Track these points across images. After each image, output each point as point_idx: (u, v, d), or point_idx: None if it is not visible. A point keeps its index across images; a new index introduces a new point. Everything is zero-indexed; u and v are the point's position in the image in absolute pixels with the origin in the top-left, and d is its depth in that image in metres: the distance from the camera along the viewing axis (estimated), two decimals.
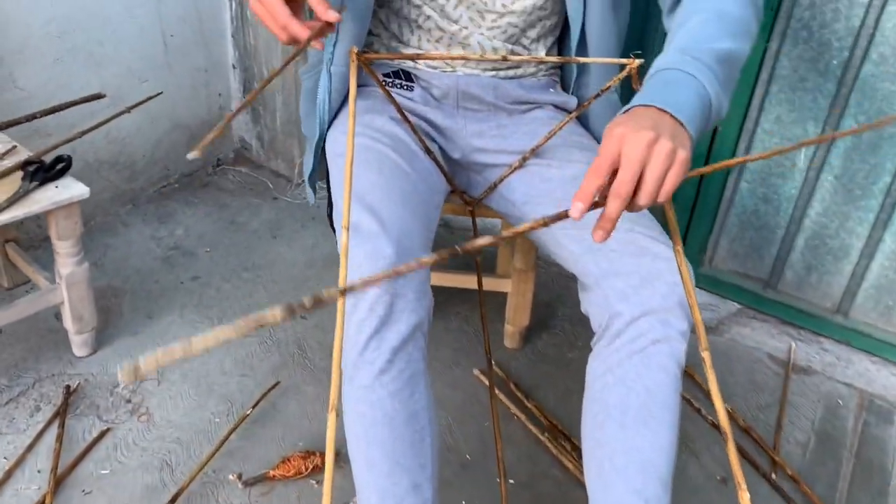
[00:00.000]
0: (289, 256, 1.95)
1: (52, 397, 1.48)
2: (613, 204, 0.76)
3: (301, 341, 1.66)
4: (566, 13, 1.25)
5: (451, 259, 2.06)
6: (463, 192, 1.35)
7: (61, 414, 1.42)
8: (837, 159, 1.59)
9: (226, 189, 2.22)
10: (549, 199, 1.18)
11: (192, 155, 0.66)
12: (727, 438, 0.82)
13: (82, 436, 1.40)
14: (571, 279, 1.72)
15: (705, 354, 0.85)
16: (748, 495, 0.78)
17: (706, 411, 1.54)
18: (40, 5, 1.70)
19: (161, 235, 1.98)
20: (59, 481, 1.30)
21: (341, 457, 1.35)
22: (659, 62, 0.93)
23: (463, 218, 2.04)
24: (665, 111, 0.82)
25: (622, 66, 1.13)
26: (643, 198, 0.77)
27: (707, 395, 1.59)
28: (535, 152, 1.23)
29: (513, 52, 1.25)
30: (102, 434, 1.40)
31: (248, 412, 1.45)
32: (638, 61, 1.10)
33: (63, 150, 1.47)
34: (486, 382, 1.58)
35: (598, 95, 1.19)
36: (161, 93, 1.76)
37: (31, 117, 1.53)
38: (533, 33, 1.25)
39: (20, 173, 1.37)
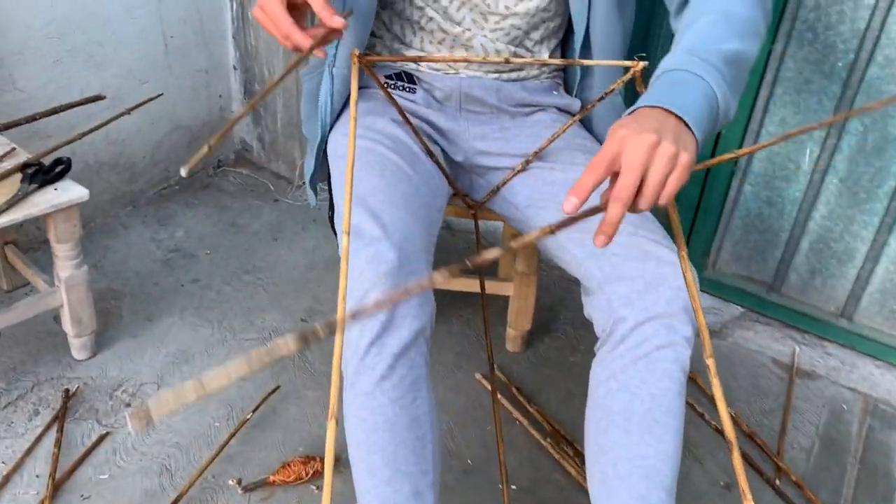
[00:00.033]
0: (289, 259, 1.94)
1: (50, 401, 1.46)
2: (614, 208, 0.75)
3: None
4: (570, 15, 1.23)
5: (453, 262, 2.04)
6: (465, 195, 1.34)
7: (60, 418, 1.41)
8: (842, 162, 1.58)
9: (226, 191, 2.21)
10: (552, 203, 1.17)
11: (184, 171, 0.65)
12: (732, 448, 0.81)
13: (81, 440, 1.39)
14: (574, 282, 1.70)
15: (710, 361, 0.84)
16: None
17: (709, 416, 1.53)
18: (40, 6, 1.69)
19: (161, 237, 1.97)
20: (57, 486, 1.29)
21: (342, 462, 1.34)
22: (665, 63, 0.92)
23: (465, 220, 2.03)
24: (671, 112, 0.81)
25: (626, 69, 1.12)
26: (644, 201, 0.76)
27: (710, 399, 1.58)
28: (538, 155, 1.22)
29: (516, 55, 1.24)
30: (101, 438, 1.39)
31: (248, 416, 1.44)
32: (642, 64, 1.10)
33: (63, 152, 1.46)
34: (488, 387, 1.56)
35: (601, 98, 1.18)
36: (161, 94, 1.76)
37: (31, 119, 1.52)
38: (536, 35, 1.24)
39: (19, 175, 1.36)
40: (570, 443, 1.45)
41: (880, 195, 1.57)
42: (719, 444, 1.48)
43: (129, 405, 1.47)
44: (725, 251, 1.81)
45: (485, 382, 1.58)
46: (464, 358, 1.65)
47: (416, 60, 1.14)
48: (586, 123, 1.32)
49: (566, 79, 1.34)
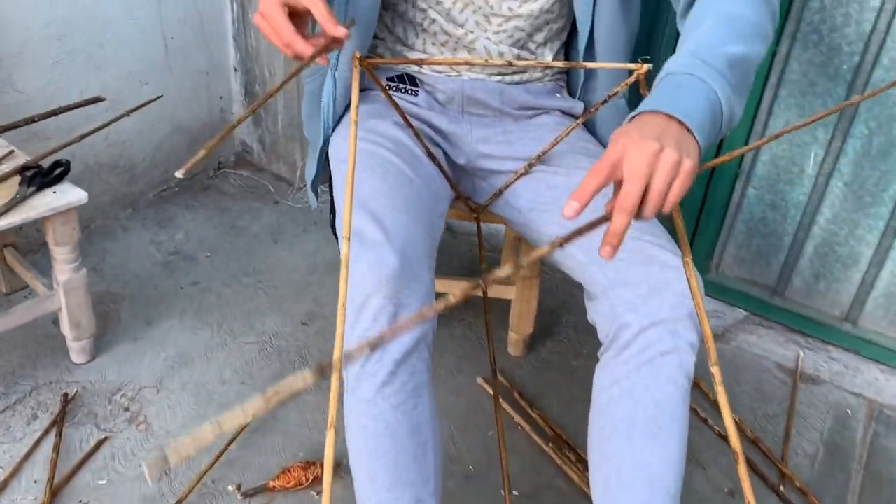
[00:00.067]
0: (290, 261, 1.92)
1: (49, 405, 1.45)
2: (619, 218, 0.74)
3: (302, 349, 1.64)
4: (574, 16, 1.22)
5: (455, 265, 2.03)
6: (467, 198, 1.33)
7: (58, 422, 1.40)
8: (847, 166, 1.57)
9: (227, 193, 2.19)
10: (555, 207, 1.16)
11: (180, 173, 0.64)
12: (738, 459, 0.80)
13: (80, 445, 1.38)
14: (576, 286, 1.70)
15: (715, 370, 0.83)
16: None
17: (713, 421, 1.52)
18: (40, 7, 1.68)
19: (161, 240, 1.96)
20: (55, 492, 1.28)
21: (342, 467, 1.34)
22: (669, 66, 0.90)
23: (467, 223, 2.02)
24: (673, 117, 0.80)
25: (630, 72, 1.11)
26: (648, 209, 0.75)
27: (714, 404, 1.57)
28: (541, 159, 1.21)
29: (519, 57, 1.22)
30: (100, 443, 1.38)
31: (248, 422, 1.43)
32: (646, 66, 1.08)
33: (62, 154, 1.45)
34: (490, 391, 1.55)
35: (605, 101, 1.17)
36: (161, 96, 1.75)
37: (30, 121, 1.51)
38: (540, 37, 1.23)
39: (18, 178, 1.35)
40: (572, 448, 1.44)
41: (885, 199, 1.56)
42: (723, 450, 1.47)
43: (127, 409, 1.46)
44: (729, 254, 1.80)
45: (486, 386, 1.57)
46: (465, 361, 1.64)
47: (417, 63, 1.13)
48: (590, 126, 1.31)
49: (569, 81, 1.33)
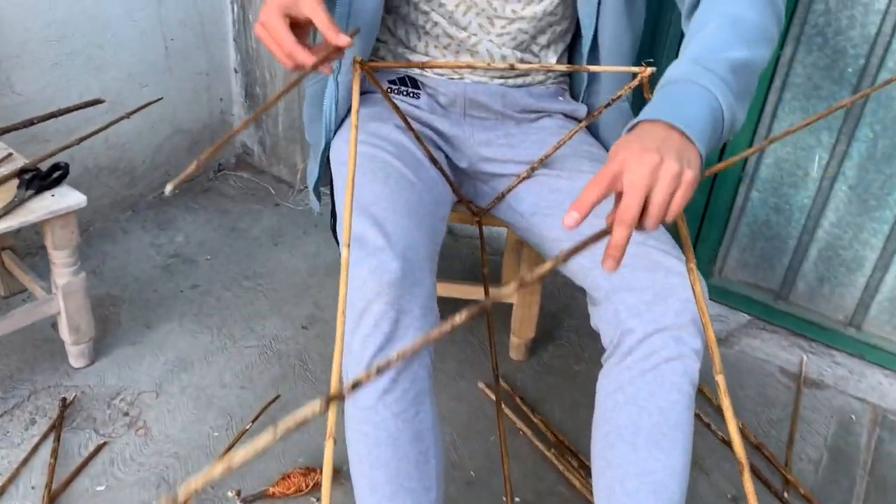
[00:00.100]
0: (290, 264, 1.91)
1: (47, 410, 1.44)
2: (619, 231, 0.73)
3: (302, 353, 1.63)
4: (578, 18, 1.21)
5: (457, 269, 2.02)
6: (469, 202, 1.32)
7: (57, 427, 1.39)
8: (852, 169, 1.56)
9: (227, 195, 2.18)
10: (557, 211, 1.15)
11: (169, 188, 0.64)
12: (743, 469, 0.78)
13: (78, 450, 1.37)
14: (578, 289, 1.69)
15: (720, 378, 0.82)
16: None
17: (716, 426, 1.51)
18: (39, 8, 1.67)
19: (161, 242, 1.95)
20: (53, 498, 1.27)
21: (342, 474, 1.33)
22: (670, 72, 0.89)
23: (469, 226, 2.01)
24: (674, 127, 0.79)
25: (634, 74, 1.10)
26: (649, 221, 0.74)
27: (717, 409, 1.56)
28: (543, 162, 1.19)
29: (522, 60, 1.21)
30: (99, 448, 1.37)
31: (248, 427, 1.42)
32: (650, 69, 1.07)
33: (61, 157, 1.44)
34: (492, 396, 1.54)
35: (608, 105, 1.16)
36: (161, 98, 1.73)
37: (29, 123, 1.50)
38: (543, 39, 1.22)
39: (16, 181, 1.34)
40: (574, 454, 1.43)
41: (890, 202, 1.54)
42: (726, 456, 1.46)
43: (126, 414, 1.45)
44: (732, 258, 1.79)
45: (488, 392, 1.56)
46: (466, 366, 1.63)
47: (419, 66, 1.12)
48: (593, 130, 1.29)
49: (572, 84, 1.32)
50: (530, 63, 1.23)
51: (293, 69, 0.93)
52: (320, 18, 0.90)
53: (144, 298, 1.75)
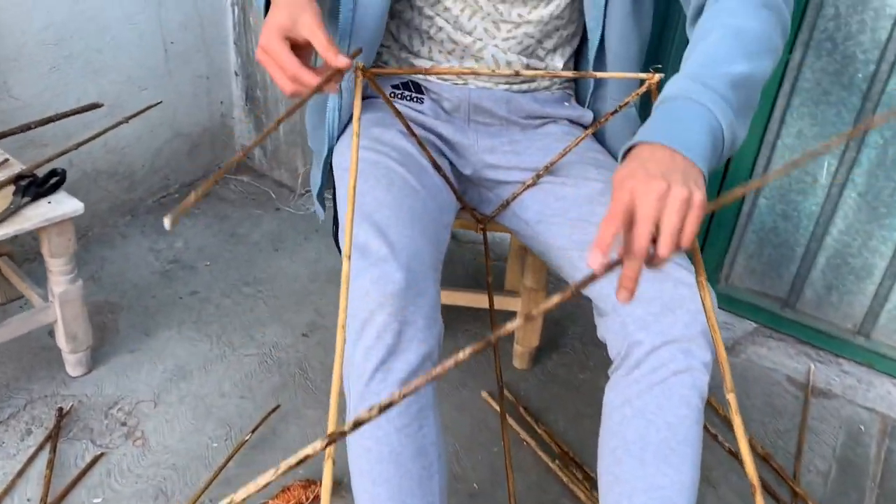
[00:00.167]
0: (291, 270, 1.89)
1: (44, 420, 1.42)
2: (631, 264, 0.71)
3: (302, 361, 1.61)
4: (584, 22, 1.19)
5: (459, 274, 1.99)
6: (473, 209, 1.29)
7: (53, 438, 1.37)
8: (861, 176, 1.53)
9: (227, 199, 2.16)
10: (562, 219, 1.13)
11: (167, 223, 0.62)
12: (755, 491, 0.76)
13: (75, 461, 1.35)
14: (582, 297, 1.67)
15: (731, 397, 0.80)
16: None
17: (723, 437, 1.49)
18: (36, 11, 1.64)
19: (160, 248, 1.92)
20: None
21: (343, 486, 1.30)
22: (670, 88, 0.87)
23: (472, 231, 1.99)
24: (676, 151, 0.77)
25: (641, 80, 1.07)
26: (663, 249, 0.72)
27: (724, 419, 1.53)
28: (549, 169, 1.17)
29: (528, 66, 1.19)
30: (96, 459, 1.35)
31: (247, 438, 1.39)
32: (658, 76, 1.05)
33: (59, 161, 1.42)
34: (495, 406, 1.52)
35: (615, 112, 1.14)
36: (160, 102, 1.71)
37: (26, 128, 1.47)
38: (549, 44, 1.20)
39: (12, 188, 1.32)
40: (579, 465, 1.41)
41: None
42: (733, 467, 1.44)
43: (124, 424, 1.43)
44: (739, 265, 1.77)
45: (492, 402, 1.53)
46: (469, 375, 1.60)
47: (422, 72, 1.10)
48: (599, 136, 1.27)
49: (578, 89, 1.30)
50: (536, 68, 1.21)
51: (293, 95, 0.90)
52: (319, 40, 0.88)
53: (143, 305, 1.73)
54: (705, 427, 1.50)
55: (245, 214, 2.10)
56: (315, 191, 1.32)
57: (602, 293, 1.02)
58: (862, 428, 1.56)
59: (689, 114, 0.83)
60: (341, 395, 0.84)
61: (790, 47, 1.50)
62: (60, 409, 1.43)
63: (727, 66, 0.87)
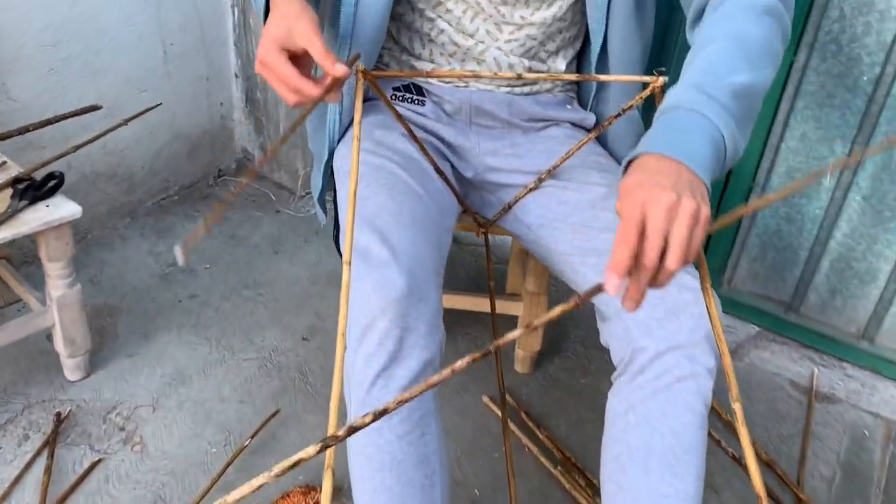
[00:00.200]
0: (290, 273, 1.88)
1: (41, 425, 1.41)
2: (641, 275, 0.70)
3: (302, 365, 1.60)
4: (587, 24, 1.18)
5: (461, 277, 1.98)
6: (475, 212, 1.28)
7: (51, 443, 1.35)
8: (866, 180, 1.52)
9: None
10: (565, 224, 1.12)
11: (179, 257, 0.62)
12: (761, 503, 0.75)
13: (72, 467, 1.33)
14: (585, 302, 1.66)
15: (736, 406, 0.78)
16: None
17: (726, 443, 1.47)
18: (35, 13, 1.63)
19: (159, 251, 1.91)
20: None
21: (343, 492, 1.29)
22: (672, 97, 0.86)
23: (474, 234, 1.98)
24: (680, 162, 0.76)
25: (645, 84, 1.06)
26: (673, 263, 0.70)
27: (727, 424, 1.52)
28: (551, 173, 1.16)
29: (530, 69, 1.18)
30: (94, 465, 1.33)
31: (247, 443, 1.38)
32: (662, 79, 1.04)
33: (58, 164, 1.41)
34: (497, 411, 1.51)
35: (619, 115, 1.12)
36: (160, 104, 1.70)
37: (24, 130, 1.46)
38: (552, 46, 1.19)
39: (10, 191, 1.30)
40: (581, 471, 1.39)
41: None
42: (736, 473, 1.42)
43: (122, 429, 1.42)
44: (742, 269, 1.76)
45: (493, 406, 1.52)
46: (471, 380, 1.59)
47: (423, 76, 1.09)
48: (602, 139, 1.26)
49: (580, 92, 1.29)
50: (538, 70, 1.20)
51: (296, 105, 0.89)
52: (316, 48, 0.87)
53: (142, 308, 1.72)
54: (708, 432, 1.48)
55: (245, 217, 2.09)
56: (316, 194, 1.31)
57: (605, 298, 1.01)
58: (866, 433, 1.55)
59: (692, 125, 0.82)
60: (341, 400, 0.83)
61: (794, 49, 1.49)
62: (58, 414, 1.42)
63: (729, 76, 0.86)
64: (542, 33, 1.16)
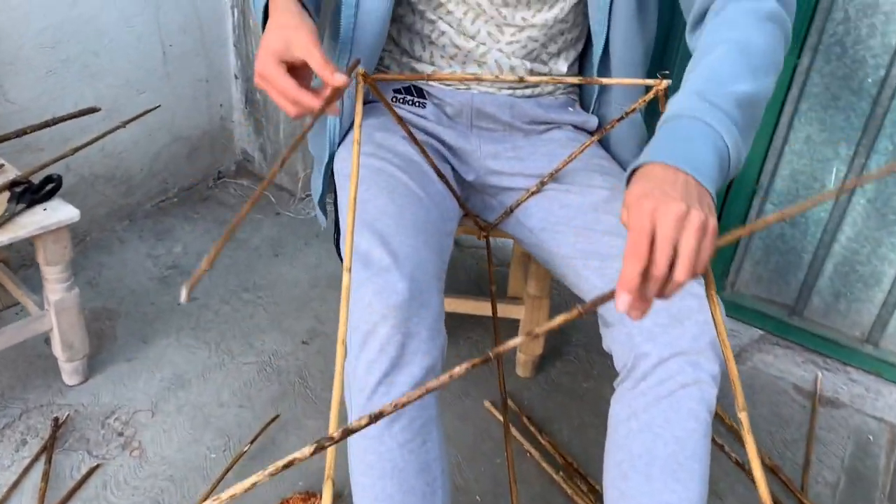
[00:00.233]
0: (291, 276, 1.87)
1: (39, 430, 1.40)
2: (650, 286, 0.69)
3: (302, 370, 1.58)
4: (589, 26, 1.17)
5: (462, 280, 1.97)
6: (476, 216, 1.27)
7: (48, 448, 1.34)
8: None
9: (226, 203, 2.14)
10: (567, 228, 1.11)
11: (183, 296, 0.63)
12: None
13: (70, 473, 1.32)
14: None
15: (743, 415, 0.77)
16: None
17: (730, 448, 1.46)
18: (33, 14, 1.62)
19: (158, 253, 1.90)
20: None
21: (343, 498, 1.28)
22: (676, 106, 0.84)
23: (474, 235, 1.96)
24: (687, 172, 0.75)
25: (648, 87, 1.05)
26: (682, 274, 0.69)
27: (730, 429, 1.51)
28: (553, 176, 1.15)
29: (532, 71, 1.17)
30: (92, 471, 1.32)
31: (246, 448, 1.37)
32: (666, 82, 1.02)
33: (56, 166, 1.39)
34: (498, 415, 1.49)
35: (622, 118, 1.11)
36: (159, 106, 1.69)
37: (21, 133, 1.45)
38: (553, 48, 1.18)
39: (7, 194, 1.29)
40: (583, 477, 1.38)
41: None
42: (740, 479, 1.41)
43: (121, 434, 1.40)
44: (745, 272, 1.74)
45: (494, 411, 1.51)
46: (472, 384, 1.58)
47: (424, 79, 1.07)
48: (604, 142, 1.25)
49: (582, 94, 1.28)
50: (539, 72, 1.19)
51: (297, 117, 0.89)
52: (315, 59, 0.86)
53: (141, 311, 1.70)
54: (712, 438, 1.47)
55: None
56: (316, 198, 1.30)
57: (608, 304, 1.00)
58: (871, 438, 1.54)
59: (695, 134, 0.80)
60: (342, 406, 0.82)
61: (798, 51, 1.47)
62: (56, 419, 1.40)
63: (732, 85, 0.85)
64: (543, 35, 1.15)
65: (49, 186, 1.32)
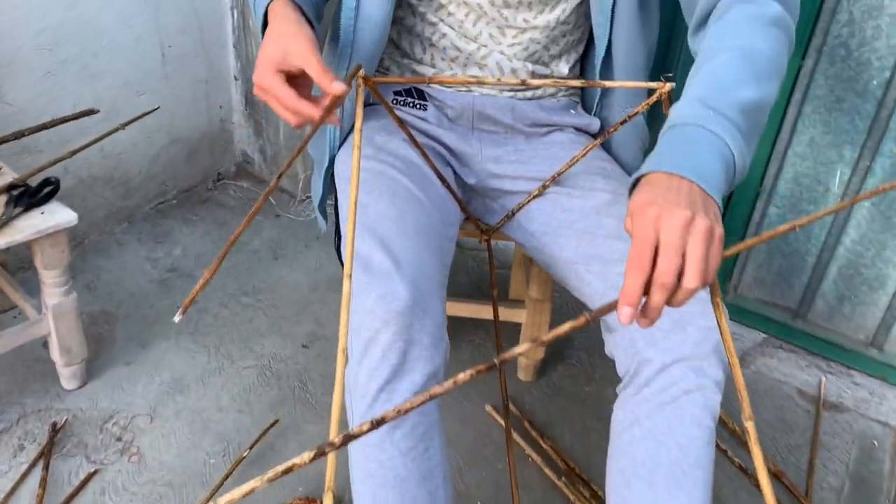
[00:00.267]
0: (291, 279, 1.85)
1: (37, 435, 1.38)
2: (658, 295, 0.67)
3: (302, 374, 1.57)
4: (591, 28, 1.16)
5: (463, 282, 1.95)
6: (478, 219, 1.26)
7: (46, 454, 1.33)
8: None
9: (226, 205, 2.13)
10: (569, 231, 1.10)
11: (178, 317, 0.62)
12: None
13: (68, 478, 1.31)
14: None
15: (749, 425, 0.76)
16: None
17: (733, 452, 1.45)
18: (31, 15, 1.61)
19: (157, 256, 1.89)
20: None
21: (344, 503, 1.27)
22: (679, 113, 0.83)
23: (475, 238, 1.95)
24: (692, 180, 0.74)
25: (651, 89, 1.04)
26: (692, 281, 0.67)
27: (733, 433, 1.50)
28: (555, 180, 1.14)
29: (533, 73, 1.16)
30: (90, 477, 1.31)
31: (245, 454, 1.36)
32: (669, 85, 1.01)
33: (54, 168, 1.38)
34: (500, 420, 1.48)
35: (624, 121, 1.10)
36: (157, 108, 1.67)
37: (20, 134, 1.43)
38: (555, 49, 1.17)
39: (4, 197, 1.28)
40: (586, 482, 1.37)
41: None
42: (743, 484, 1.40)
43: (119, 439, 1.39)
44: (748, 275, 1.73)
45: (496, 415, 1.50)
46: (472, 387, 1.57)
47: (425, 81, 1.06)
48: (606, 144, 1.24)
49: (584, 97, 1.27)
50: (541, 74, 1.18)
51: (298, 126, 0.88)
52: (313, 67, 0.85)
53: (140, 315, 1.69)
54: (715, 443, 1.46)
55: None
56: (316, 201, 1.28)
57: None
58: (875, 443, 1.53)
59: (700, 141, 0.79)
60: (343, 412, 0.81)
61: (802, 53, 1.46)
62: (54, 424, 1.39)
63: (736, 91, 0.83)
64: (545, 37, 1.14)
65: (47, 189, 1.31)
